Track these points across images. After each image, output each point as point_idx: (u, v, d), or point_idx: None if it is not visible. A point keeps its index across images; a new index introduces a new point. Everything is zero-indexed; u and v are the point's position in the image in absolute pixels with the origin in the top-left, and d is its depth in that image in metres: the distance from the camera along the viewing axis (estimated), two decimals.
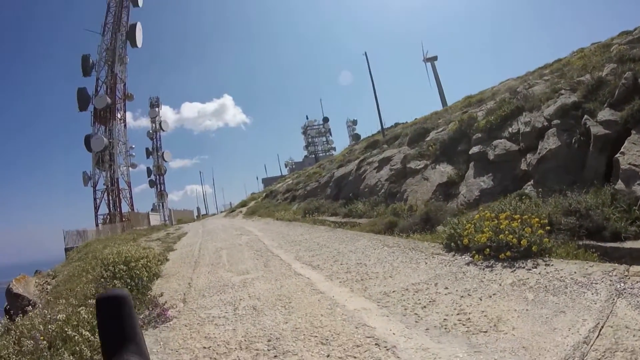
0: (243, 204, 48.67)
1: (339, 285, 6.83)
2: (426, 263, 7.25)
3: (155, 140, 69.36)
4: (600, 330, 3.76)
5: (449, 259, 7.21)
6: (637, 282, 4.63)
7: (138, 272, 8.90)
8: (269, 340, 4.85)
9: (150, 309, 6.94)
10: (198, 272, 10.13)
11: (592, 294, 4.58)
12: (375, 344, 4.25)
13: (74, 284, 8.58)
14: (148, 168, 67.54)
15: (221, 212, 69.22)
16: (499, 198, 9.62)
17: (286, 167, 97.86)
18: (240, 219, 31.66)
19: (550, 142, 10.07)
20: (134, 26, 52.41)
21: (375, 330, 4.61)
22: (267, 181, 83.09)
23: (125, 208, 49.56)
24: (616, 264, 5.42)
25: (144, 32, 54.78)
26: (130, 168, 52.00)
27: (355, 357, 4.06)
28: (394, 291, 5.98)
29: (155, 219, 51.38)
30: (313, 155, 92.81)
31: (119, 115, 50.64)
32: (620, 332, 3.63)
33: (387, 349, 4.08)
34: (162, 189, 67.81)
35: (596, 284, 4.83)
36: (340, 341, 4.48)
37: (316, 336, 4.75)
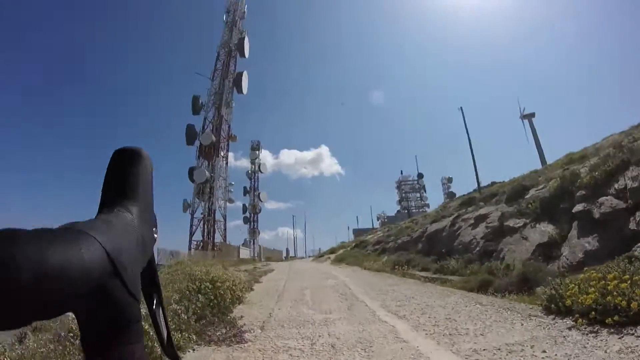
0: (332, 250, 49.20)
1: (424, 337, 6.52)
2: (522, 324, 6.76)
3: (253, 180, 72.57)
4: None
5: (548, 322, 6.68)
6: None
7: (222, 293, 9.07)
8: None
9: (228, 328, 7.01)
10: (280, 305, 10.18)
11: None
12: None
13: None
14: (244, 205, 70.38)
15: (309, 256, 70.41)
16: (606, 261, 8.90)
17: (378, 219, 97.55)
18: (328, 264, 31.64)
19: None
20: (240, 74, 55.80)
21: None
22: (357, 232, 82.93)
23: (218, 238, 51.43)
24: None
25: (250, 79, 58.14)
26: (227, 202, 54.31)
27: None
28: (484, 349, 5.59)
29: (244, 253, 52.79)
30: (406, 211, 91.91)
31: (222, 153, 53.49)
32: None
33: None
34: (255, 226, 69.73)
35: None
36: None
37: None
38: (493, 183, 37.46)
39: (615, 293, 6.04)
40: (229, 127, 55.37)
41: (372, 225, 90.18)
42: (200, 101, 54.00)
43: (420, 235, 23.00)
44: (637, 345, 4.92)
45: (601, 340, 5.34)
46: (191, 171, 51.16)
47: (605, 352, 4.94)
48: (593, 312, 6.04)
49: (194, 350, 5.89)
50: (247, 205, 70.40)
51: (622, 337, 5.31)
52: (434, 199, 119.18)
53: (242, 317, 8.29)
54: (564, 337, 5.77)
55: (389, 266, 19.84)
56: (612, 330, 5.59)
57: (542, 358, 5.03)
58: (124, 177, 0.77)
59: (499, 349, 5.55)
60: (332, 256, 39.77)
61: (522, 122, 62.18)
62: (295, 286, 14.46)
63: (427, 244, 20.78)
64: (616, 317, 5.69)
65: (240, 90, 55.85)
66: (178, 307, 6.67)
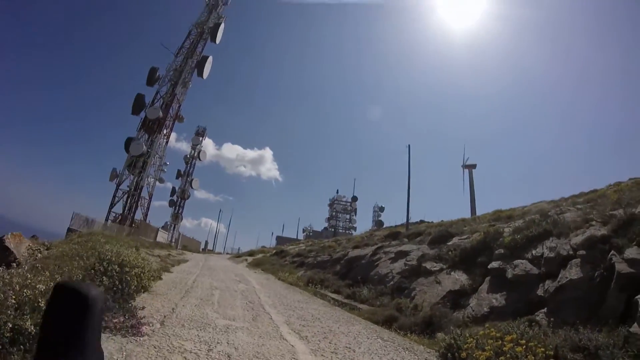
0: (251, 253, 48.52)
1: None
2: None
3: (189, 165, 71.37)
4: None
5: None
6: None
7: (129, 279, 8.74)
8: None
9: (127, 317, 6.74)
10: (185, 302, 9.92)
11: None
12: None
13: (63, 262, 8.37)
14: (173, 188, 69.36)
15: (227, 253, 69.58)
16: (508, 319, 9.16)
17: (304, 232, 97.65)
18: (244, 266, 31.28)
19: (572, 272, 9.70)
20: (205, 58, 55.16)
21: None
22: (281, 240, 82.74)
23: (138, 216, 50.19)
24: None
25: (213, 66, 57.63)
26: (157, 182, 53.15)
27: None
28: None
29: (162, 237, 51.38)
30: (332, 229, 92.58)
31: (164, 131, 52.32)
32: None
33: None
34: (179, 211, 68.51)
35: None
36: None
37: None
38: (422, 221, 38.24)
39: (508, 355, 6.20)
40: (179, 106, 54.38)
41: (297, 236, 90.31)
42: (157, 74, 52.61)
43: (340, 257, 23.10)
44: None
45: None
46: (128, 141, 49.63)
47: None
48: None
49: None
50: (176, 188, 69.08)
51: None
52: (363, 223, 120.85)
53: (143, 307, 7.99)
54: None
55: (303, 281, 19.78)
56: None
57: None
58: (70, 333, 0.70)
59: None
60: (250, 259, 39.36)
61: (463, 171, 63.75)
62: (205, 283, 14.18)
63: (345, 268, 20.85)
64: None
65: (200, 74, 55.03)
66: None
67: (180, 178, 69.99)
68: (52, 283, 5.54)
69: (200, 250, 67.28)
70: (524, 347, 6.39)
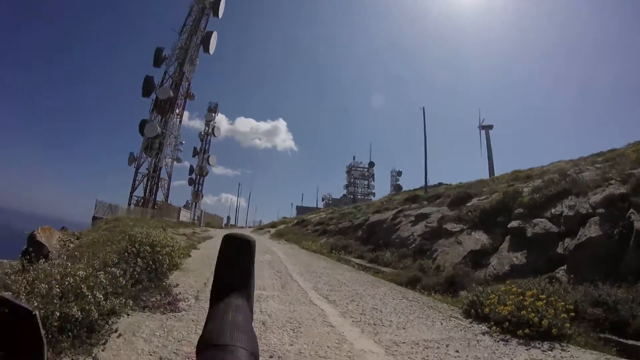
0: (273, 225, 48.82)
1: (350, 324, 6.83)
2: (442, 323, 7.18)
3: (204, 142, 71.03)
4: None
5: (465, 325, 7.13)
6: None
7: (161, 258, 9.03)
8: (270, 357, 4.88)
9: (163, 295, 7.08)
10: None
11: None
12: None
13: (97, 249, 8.67)
14: (191, 166, 68.88)
15: (249, 227, 69.49)
16: (529, 277, 9.44)
17: (323, 200, 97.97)
18: (267, 238, 31.77)
19: (592, 230, 9.90)
20: (210, 33, 54.63)
21: None
22: (301, 210, 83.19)
23: (160, 197, 50.52)
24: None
25: (218, 42, 57.06)
26: (174, 162, 53.10)
27: None
28: (404, 342, 5.94)
29: (185, 216, 51.88)
30: (352, 196, 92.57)
31: (177, 110, 52.18)
32: None
33: None
34: (199, 189, 68.56)
35: None
36: None
37: None
38: (440, 184, 38.30)
39: (530, 309, 6.51)
40: (189, 84, 54.08)
41: (317, 205, 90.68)
42: (163, 54, 52.16)
43: (361, 223, 23.44)
44: (541, 359, 5.36)
45: (510, 349, 5.76)
46: (142, 124, 49.61)
47: (511, 359, 5.36)
48: (507, 323, 6.50)
49: (128, 315, 5.86)
50: (194, 166, 68.90)
51: (529, 349, 5.75)
52: (381, 189, 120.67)
53: (177, 284, 8.36)
54: (478, 340, 6.19)
55: (326, 249, 20.19)
56: (521, 341, 6.04)
57: (454, 357, 5.41)
58: (239, 270, 0.96)
59: (417, 344, 5.90)
60: (273, 230, 39.82)
61: (480, 132, 63.28)
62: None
63: (366, 233, 21.23)
64: (527, 330, 6.16)
65: (207, 50, 54.62)
66: (117, 270, 6.68)
67: (197, 156, 69.79)
68: (90, 269, 5.86)
69: (223, 225, 67.57)
70: (544, 301, 6.69)
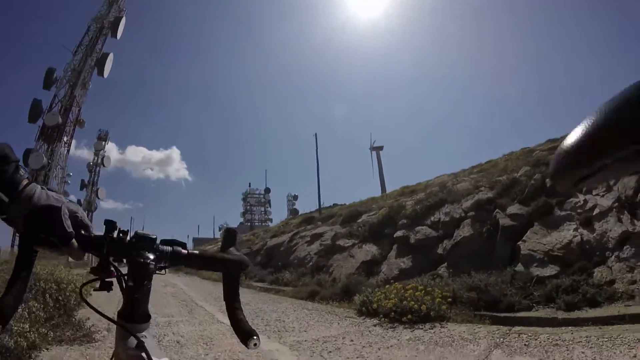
0: None
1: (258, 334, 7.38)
2: (338, 323, 7.92)
3: (93, 174, 65.28)
4: None
5: (359, 321, 7.93)
6: (515, 337, 5.53)
7: (67, 295, 9.05)
8: None
9: (76, 329, 7.22)
10: None
11: (474, 345, 5.42)
12: None
13: None
14: (79, 200, 62.80)
15: None
16: (416, 277, 10.47)
17: (220, 230, 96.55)
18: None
19: (465, 231, 11.24)
20: (106, 55, 50.39)
21: None
22: (198, 241, 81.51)
23: None
24: (501, 326, 6.38)
25: (115, 64, 53.28)
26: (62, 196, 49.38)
27: None
28: (305, 340, 6.60)
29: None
30: (249, 223, 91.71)
31: (65, 139, 48.00)
32: None
33: None
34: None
35: (479, 339, 5.70)
36: None
37: None
38: (335, 204, 39.52)
39: (409, 299, 7.47)
40: (79, 110, 49.58)
41: (214, 235, 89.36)
42: (55, 75, 47.27)
43: (260, 248, 23.90)
44: (423, 336, 6.25)
45: (397, 333, 6.62)
46: (27, 153, 42.77)
47: (398, 340, 6.19)
48: (393, 313, 7.43)
49: (47, 349, 6.05)
50: (82, 201, 63.91)
51: (413, 330, 6.65)
52: (279, 213, 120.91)
53: (88, 318, 8.50)
54: (369, 331, 6.99)
55: None
56: (406, 326, 6.94)
57: (350, 345, 6.14)
58: (231, 243, 1.36)
59: (317, 340, 6.58)
60: None
61: (371, 153, 66.02)
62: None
63: (265, 257, 21.71)
64: (410, 317, 7.10)
65: (101, 73, 49.93)
66: (33, 305, 6.77)
67: (85, 189, 65.17)
68: None
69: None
70: (423, 292, 7.71)
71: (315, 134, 32.05)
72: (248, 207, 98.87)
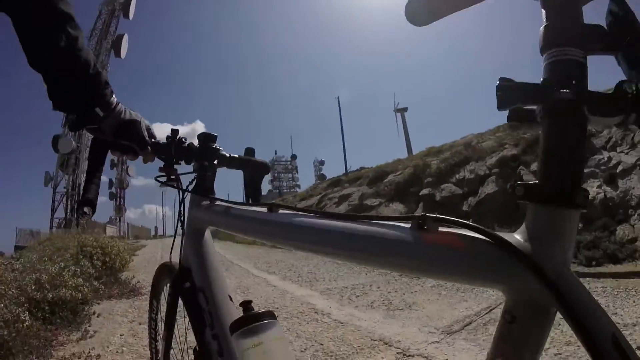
0: None
1: (290, 284, 7.92)
2: (366, 274, 8.40)
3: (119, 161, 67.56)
4: (491, 309, 4.94)
5: (386, 273, 8.38)
6: None
7: (113, 257, 9.62)
8: None
9: (123, 287, 7.79)
10: None
11: (491, 292, 5.80)
12: (315, 312, 5.35)
13: (49, 263, 8.99)
14: (110, 180, 63.31)
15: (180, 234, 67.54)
16: None
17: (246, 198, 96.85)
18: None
19: (489, 187, 11.52)
20: (120, 36, 51.58)
21: (316, 306, 5.72)
22: None
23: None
24: None
25: (130, 45, 53.96)
26: None
27: (299, 318, 5.15)
28: (335, 288, 7.09)
29: (111, 231, 49.03)
30: (277, 190, 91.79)
31: None
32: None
33: (324, 314, 5.20)
34: (121, 202, 63.91)
35: None
36: (288, 310, 5.58)
37: (269, 307, 5.83)
38: (362, 168, 39.70)
39: None
40: None
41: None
42: None
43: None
44: (446, 283, 6.65)
45: (421, 281, 7.02)
46: (56, 139, 45.50)
47: (422, 287, 6.63)
48: None
49: (99, 303, 6.51)
50: (113, 180, 64.01)
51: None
52: (306, 180, 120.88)
53: (134, 276, 9.04)
54: (395, 280, 7.43)
55: (259, 241, 20.97)
56: None
57: (376, 290, 6.62)
58: (252, 154, 1.43)
59: (346, 287, 7.06)
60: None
61: (395, 114, 65.71)
62: (174, 256, 15.23)
63: None
64: None
65: (118, 54, 51.33)
66: (85, 263, 7.29)
67: (114, 168, 65.77)
68: (58, 267, 6.49)
69: (152, 236, 65.80)
70: None
71: (338, 97, 32.26)
72: (275, 175, 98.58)
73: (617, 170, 9.55)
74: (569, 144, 0.50)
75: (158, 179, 1.42)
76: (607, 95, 0.48)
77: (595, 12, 0.49)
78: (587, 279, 6.30)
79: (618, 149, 10.18)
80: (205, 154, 1.37)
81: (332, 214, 0.82)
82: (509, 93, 0.51)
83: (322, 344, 4.11)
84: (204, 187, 1.41)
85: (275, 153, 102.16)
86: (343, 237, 0.76)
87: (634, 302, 4.84)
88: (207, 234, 1.46)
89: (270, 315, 1.00)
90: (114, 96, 1.23)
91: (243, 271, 10.17)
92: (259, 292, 7.10)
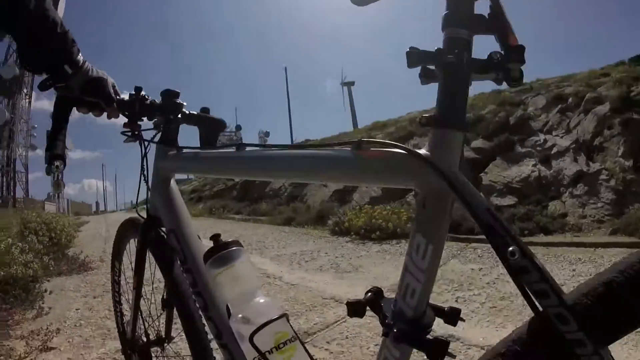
0: (146, 202, 46.75)
1: None
2: (314, 242, 8.71)
3: None
4: None
5: (332, 239, 8.75)
6: (471, 251, 6.47)
7: (58, 233, 9.46)
8: None
9: (71, 263, 7.68)
10: (109, 245, 10.82)
11: None
12: (267, 276, 5.60)
13: None
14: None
15: (121, 210, 66.17)
16: (385, 204, 11.29)
17: None
18: (144, 214, 31.61)
19: None
20: None
21: (267, 270, 5.97)
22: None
23: (19, 193, 44.46)
24: (460, 242, 7.21)
25: (70, 5, 50.15)
26: (29, 150, 46.29)
27: None
28: (285, 254, 7.35)
29: (50, 208, 46.70)
30: None
31: (25, 90, 45.08)
32: (446, 272, 5.19)
33: (275, 277, 5.47)
34: (60, 178, 61.67)
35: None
36: None
37: None
38: (307, 140, 40.02)
39: (378, 218, 8.27)
40: None
41: (187, 176, 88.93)
42: None
43: (234, 183, 24.41)
44: (390, 249, 7.08)
45: (366, 246, 7.44)
46: None
47: (367, 252, 7.00)
48: (363, 231, 8.26)
49: (49, 280, 6.44)
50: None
51: (381, 244, 7.48)
52: None
53: (82, 251, 8.90)
54: (342, 246, 7.79)
55: (206, 212, 21.05)
56: (375, 242, 7.77)
57: (324, 256, 6.92)
58: (208, 112, 1.54)
59: (295, 254, 7.32)
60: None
61: (342, 88, 66.10)
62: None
63: (241, 191, 22.26)
64: (378, 233, 7.93)
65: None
66: (31, 240, 7.20)
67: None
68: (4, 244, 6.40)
69: (93, 212, 63.74)
70: (391, 212, 8.52)
71: (285, 68, 32.36)
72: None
73: (552, 152, 10.15)
74: (454, 90, 0.75)
75: (124, 133, 1.55)
76: (483, 60, 0.74)
77: (486, 8, 0.75)
78: None
79: (554, 133, 10.80)
80: (169, 108, 1.50)
81: (291, 145, 1.09)
82: (414, 57, 0.74)
83: None
84: (170, 138, 1.54)
85: None
86: (303, 162, 1.00)
87: (562, 266, 5.33)
88: (173, 182, 1.61)
89: (237, 243, 1.17)
90: (80, 54, 1.32)
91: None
92: None
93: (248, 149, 1.19)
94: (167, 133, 1.54)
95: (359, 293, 3.90)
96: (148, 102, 1.47)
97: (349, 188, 14.16)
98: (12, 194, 42.97)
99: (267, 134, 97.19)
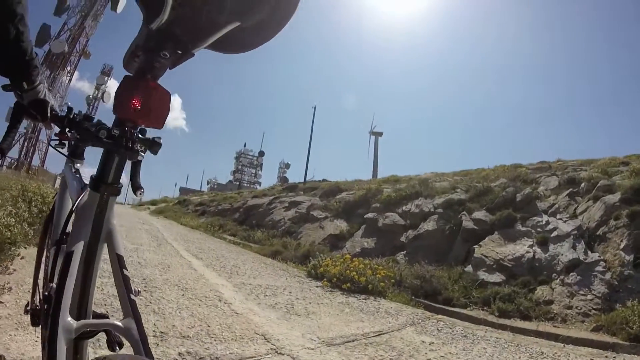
0: (153, 202, 47.54)
1: (211, 271, 8.10)
2: (286, 279, 8.62)
3: (92, 108, 63.65)
4: (380, 334, 5.15)
5: (305, 280, 8.64)
6: (433, 322, 6.25)
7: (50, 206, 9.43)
8: (143, 279, 6.03)
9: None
10: None
11: (393, 320, 6.08)
12: (219, 300, 5.53)
13: None
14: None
15: (128, 204, 66.68)
16: (375, 258, 11.12)
17: (208, 184, 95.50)
18: (146, 214, 31.72)
19: (430, 225, 11.87)
20: None
21: (222, 295, 5.93)
22: (184, 191, 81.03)
23: (35, 161, 45.83)
24: (426, 311, 7.02)
25: (128, 1, 51.26)
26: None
27: (201, 300, 5.32)
28: (250, 284, 7.28)
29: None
30: (237, 183, 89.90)
31: (68, 68, 47.86)
32: (393, 339, 5.03)
33: (225, 303, 5.40)
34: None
35: (401, 316, 6.38)
36: (195, 292, 5.75)
37: (179, 287, 5.98)
38: (324, 180, 39.99)
39: (353, 270, 8.17)
40: (87, 42, 49.08)
41: (201, 188, 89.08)
42: (67, 3, 45.26)
43: (240, 205, 24.46)
44: (354, 302, 6.93)
45: (333, 295, 7.30)
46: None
47: (330, 300, 6.87)
48: (336, 279, 8.14)
49: (25, 248, 6.52)
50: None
51: (348, 297, 7.34)
52: (268, 179, 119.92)
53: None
54: (310, 289, 7.68)
55: (203, 226, 21.03)
56: (344, 293, 7.64)
57: (287, 294, 6.82)
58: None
59: (260, 286, 7.25)
60: (153, 207, 39.28)
61: (370, 137, 66.60)
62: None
63: (243, 215, 22.32)
64: (349, 285, 7.80)
65: (114, 8, 46.80)
66: (20, 206, 7.26)
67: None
68: None
69: None
70: (368, 266, 8.41)
71: (315, 106, 32.52)
72: (239, 167, 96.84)
73: (552, 235, 9.93)
74: None
75: (52, 140, 1.87)
76: None
77: None
78: (488, 328, 6.60)
79: (558, 216, 10.62)
80: (75, 127, 1.64)
81: None
82: None
83: (209, 326, 4.31)
84: (77, 152, 2.01)
85: (245, 145, 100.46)
86: None
87: (519, 357, 5.10)
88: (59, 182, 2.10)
89: None
90: (39, 77, 1.54)
91: (173, 251, 10.25)
92: (177, 272, 7.26)
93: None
94: (75, 149, 2.01)
95: (292, 338, 3.79)
96: (76, 119, 1.64)
97: (344, 235, 14.07)
98: (29, 160, 44.28)
99: (287, 165, 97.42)
